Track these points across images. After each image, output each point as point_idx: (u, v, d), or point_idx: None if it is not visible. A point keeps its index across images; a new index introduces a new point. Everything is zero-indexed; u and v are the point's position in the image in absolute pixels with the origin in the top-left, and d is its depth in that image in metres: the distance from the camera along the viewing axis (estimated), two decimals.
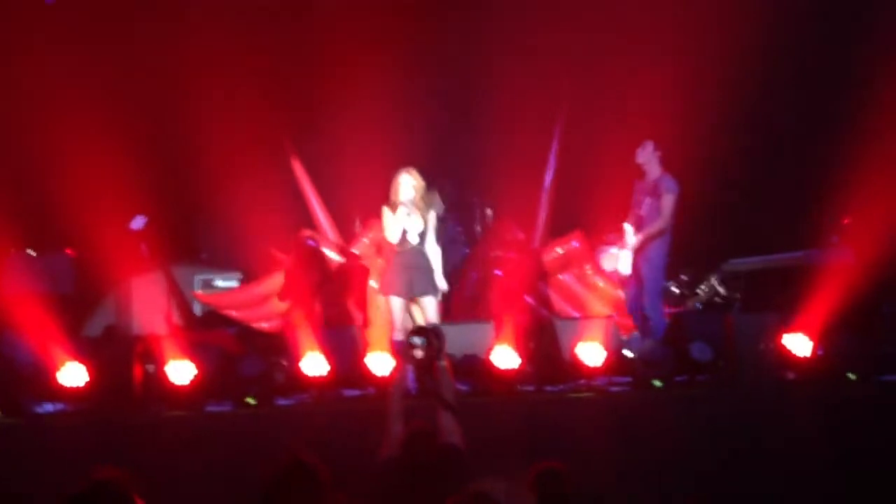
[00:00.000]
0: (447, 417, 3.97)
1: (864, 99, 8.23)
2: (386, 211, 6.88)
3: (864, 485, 5.47)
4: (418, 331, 4.19)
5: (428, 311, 6.90)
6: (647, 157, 7.04)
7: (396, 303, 6.85)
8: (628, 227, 7.04)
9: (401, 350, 4.15)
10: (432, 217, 6.95)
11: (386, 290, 6.98)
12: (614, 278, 8.12)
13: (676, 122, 8.30)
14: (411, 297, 6.87)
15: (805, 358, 6.44)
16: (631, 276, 6.99)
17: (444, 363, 4.13)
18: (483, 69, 9.03)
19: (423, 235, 6.89)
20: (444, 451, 3.83)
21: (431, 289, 6.88)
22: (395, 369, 4.19)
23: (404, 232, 6.83)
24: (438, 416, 3.97)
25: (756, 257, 8.69)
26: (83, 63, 8.25)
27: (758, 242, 8.81)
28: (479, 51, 9.11)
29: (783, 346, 6.47)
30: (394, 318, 6.86)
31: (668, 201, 6.87)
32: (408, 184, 6.83)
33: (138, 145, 8.38)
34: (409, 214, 6.80)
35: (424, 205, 6.89)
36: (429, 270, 6.88)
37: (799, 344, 6.45)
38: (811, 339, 6.47)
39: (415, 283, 6.84)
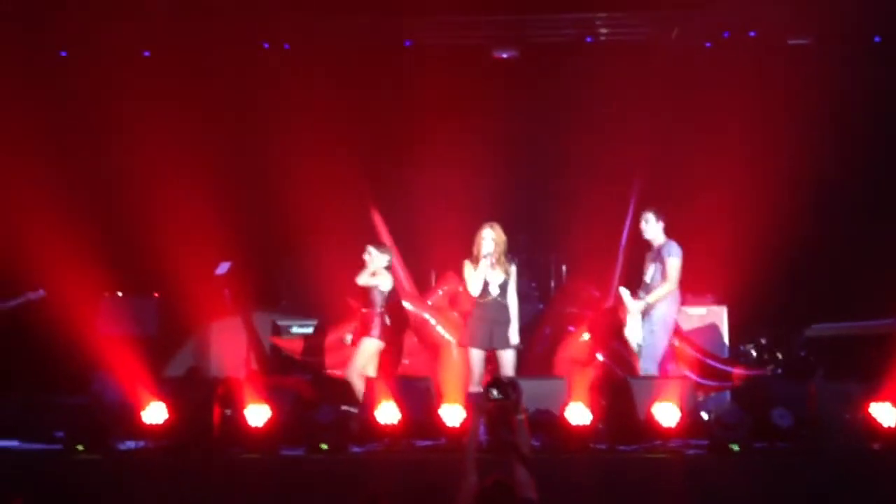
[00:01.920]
0: (523, 471, 3.97)
1: None
2: (468, 264, 7.02)
3: None
4: (496, 383, 4.21)
5: (506, 364, 6.96)
6: (651, 228, 7.25)
7: (476, 355, 6.95)
8: (624, 292, 7.14)
9: (477, 402, 4.17)
10: (513, 271, 7.07)
11: (465, 343, 7.06)
12: (691, 338, 8.02)
13: (756, 184, 8.26)
14: (491, 350, 6.94)
15: (891, 428, 6.22)
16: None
17: (522, 416, 4.14)
18: (564, 128, 9.14)
19: (503, 288, 7.01)
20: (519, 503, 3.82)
21: (510, 342, 6.95)
22: (470, 421, 4.21)
23: (486, 284, 6.96)
24: (515, 470, 3.97)
25: (840, 323, 8.47)
26: (173, 112, 8.61)
27: (842, 308, 8.59)
28: (560, 111, 9.24)
29: (869, 416, 6.28)
30: (472, 370, 6.92)
31: (672, 265, 7.10)
32: (490, 237, 7.01)
33: (225, 194, 8.69)
34: (490, 267, 6.93)
35: (506, 259, 7.03)
36: (508, 324, 6.97)
37: (885, 413, 6.25)
38: None
39: (495, 336, 6.93)
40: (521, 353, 7.45)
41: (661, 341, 7.15)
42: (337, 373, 8.19)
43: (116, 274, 8.43)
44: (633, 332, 7.21)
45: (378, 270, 7.49)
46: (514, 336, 6.99)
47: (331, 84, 8.97)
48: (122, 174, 8.72)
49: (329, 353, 8.35)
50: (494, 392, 4.10)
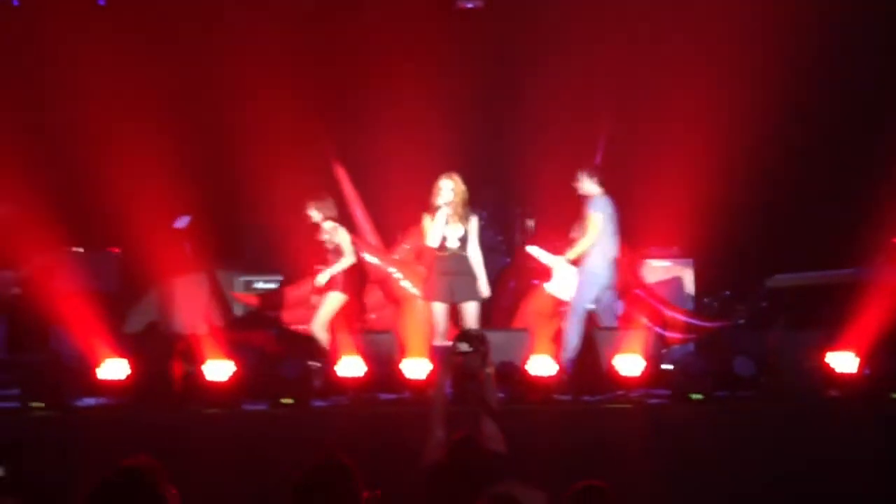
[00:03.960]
0: (491, 424, 3.96)
1: None
2: (426, 216, 6.92)
3: None
4: (465, 336, 4.17)
5: (469, 317, 6.91)
6: (583, 186, 7.16)
7: (438, 308, 6.88)
8: (534, 249, 7.18)
9: (445, 356, 4.13)
10: (474, 223, 6.96)
11: (427, 296, 7.00)
12: (655, 290, 8.06)
13: (723, 138, 8.24)
14: (453, 303, 6.89)
15: (850, 376, 6.31)
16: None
17: (490, 370, 4.11)
18: (529, 82, 9.03)
19: (463, 241, 6.91)
20: (488, 457, 3.80)
21: (473, 295, 6.89)
22: (437, 375, 4.17)
23: (444, 237, 6.86)
24: (483, 423, 3.96)
25: (802, 273, 8.54)
26: (130, 65, 8.39)
27: (804, 259, 8.66)
28: (525, 63, 9.12)
29: (828, 364, 6.36)
30: (435, 324, 6.87)
31: (592, 219, 7.01)
32: (448, 188, 6.87)
33: (184, 147, 8.50)
34: (448, 219, 6.82)
35: (465, 210, 6.91)
36: (471, 276, 6.90)
37: (844, 362, 6.33)
38: (857, 357, 6.34)
39: (456, 288, 6.85)
40: (487, 306, 7.43)
41: (585, 296, 7.10)
42: (301, 328, 8.14)
43: (74, 229, 8.24)
44: (560, 287, 7.20)
45: (331, 228, 7.36)
46: (482, 288, 6.94)
47: (292, 35, 8.77)
48: (79, 126, 8.49)
49: (293, 309, 8.29)
50: (463, 345, 4.07)
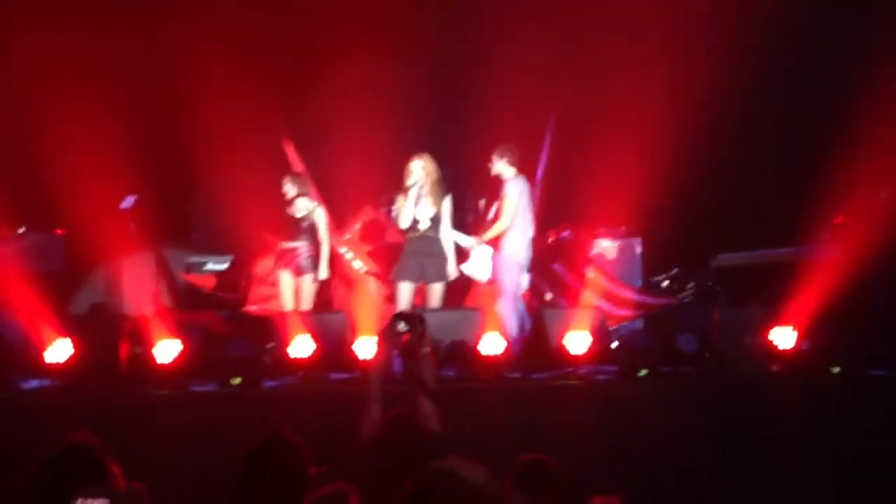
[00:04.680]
0: (427, 403, 4.00)
1: (859, 97, 8.26)
2: (399, 197, 6.94)
3: (847, 479, 5.50)
4: (402, 316, 4.20)
5: (434, 297, 6.96)
6: (495, 167, 7.19)
7: (405, 288, 6.90)
8: (451, 232, 7.18)
9: (384, 335, 4.17)
10: (446, 203, 6.99)
11: (397, 276, 7.01)
12: (604, 269, 8.17)
13: (667, 118, 8.36)
14: (421, 283, 6.92)
15: (790, 351, 6.48)
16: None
17: (427, 349, 4.15)
18: (481, 63, 9.03)
19: (435, 221, 6.93)
20: (423, 434, 3.85)
21: (442, 276, 6.94)
22: (377, 354, 4.21)
23: (415, 218, 6.88)
24: (419, 401, 4.00)
25: (746, 252, 8.71)
26: (76, 42, 8.22)
27: (749, 239, 8.83)
28: (477, 43, 9.12)
29: (769, 340, 6.51)
30: (399, 304, 6.90)
31: (507, 202, 7.07)
32: (419, 168, 6.88)
33: (130, 125, 8.37)
34: (419, 200, 6.84)
35: (438, 190, 6.93)
36: (441, 258, 6.93)
37: (784, 337, 6.49)
38: (797, 332, 6.50)
39: (426, 269, 6.88)
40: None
41: (512, 276, 7.19)
42: (252, 308, 8.10)
43: (16, 209, 8.08)
44: (476, 268, 7.24)
45: (310, 206, 7.31)
46: (450, 269, 6.99)
47: (243, 11, 8.66)
48: (22, 105, 8.31)
49: (244, 290, 8.24)
50: (401, 325, 4.10)
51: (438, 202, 6.95)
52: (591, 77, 8.95)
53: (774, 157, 9.03)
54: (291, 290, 7.27)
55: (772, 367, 6.47)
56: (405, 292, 6.93)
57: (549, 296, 8.34)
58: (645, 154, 8.40)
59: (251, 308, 8.08)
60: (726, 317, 6.65)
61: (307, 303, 7.26)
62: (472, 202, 9.50)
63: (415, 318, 4.19)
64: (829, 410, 5.86)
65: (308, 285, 7.27)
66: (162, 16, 8.58)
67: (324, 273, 7.28)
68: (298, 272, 7.27)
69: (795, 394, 6.10)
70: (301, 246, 7.27)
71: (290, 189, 7.35)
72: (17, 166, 8.33)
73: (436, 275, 6.94)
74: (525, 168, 8.30)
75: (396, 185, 8.70)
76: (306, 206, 7.30)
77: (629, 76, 8.63)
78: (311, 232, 7.29)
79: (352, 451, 3.96)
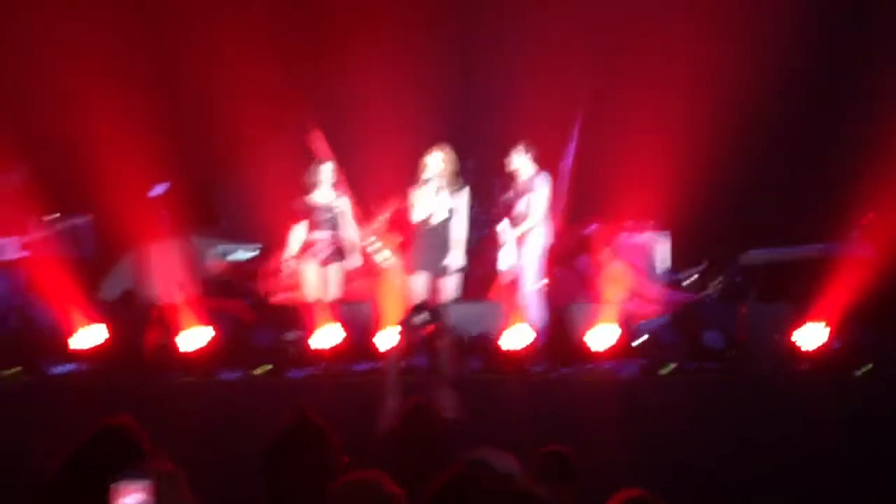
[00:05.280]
0: (447, 393, 4.01)
1: (892, 95, 8.15)
2: (414, 190, 6.92)
3: (873, 477, 5.44)
4: (420, 308, 4.21)
5: (448, 289, 6.94)
6: (519, 159, 7.23)
7: (419, 280, 6.89)
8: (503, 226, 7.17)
9: (403, 326, 4.17)
10: (465, 194, 6.97)
11: (410, 268, 7.00)
12: (631, 263, 8.12)
13: (696, 113, 8.29)
14: (436, 275, 6.91)
15: (819, 349, 6.42)
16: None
17: (445, 341, 4.15)
18: (509, 54, 9.01)
19: (451, 213, 6.92)
20: (441, 425, 3.86)
21: (455, 266, 6.92)
22: (395, 346, 4.21)
23: (431, 209, 6.86)
24: (438, 392, 4.00)
25: (774, 249, 8.63)
26: (106, 31, 8.29)
27: (778, 235, 8.75)
28: (506, 34, 9.10)
29: (797, 338, 6.45)
30: (415, 296, 6.89)
31: (540, 196, 7.11)
32: (437, 160, 6.85)
33: (162, 113, 8.43)
34: (437, 191, 6.83)
35: (456, 181, 6.90)
36: (454, 248, 6.92)
37: (812, 335, 6.43)
38: (826, 330, 6.44)
39: (440, 260, 6.87)
40: (465, 277, 7.46)
41: (537, 268, 7.20)
42: (280, 297, 8.14)
43: (50, 195, 8.18)
44: (504, 260, 7.25)
45: (330, 193, 7.30)
46: (458, 258, 6.96)
47: (271, 2, 8.70)
48: (56, 94, 8.41)
49: (270, 278, 8.29)
50: (420, 317, 4.12)
51: (456, 194, 6.93)
52: (619, 70, 8.90)
53: (805, 153, 8.93)
54: (317, 280, 7.28)
55: (800, 365, 6.41)
56: (419, 283, 6.92)
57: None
58: (673, 148, 8.34)
59: (279, 297, 8.11)
60: (754, 314, 6.61)
61: (335, 292, 7.26)
62: (497, 193, 9.50)
63: (433, 309, 4.19)
64: (858, 409, 5.80)
65: (335, 275, 7.27)
66: (190, 6, 8.63)
67: (357, 261, 7.29)
68: (324, 262, 7.28)
69: (824, 392, 6.05)
70: (326, 235, 7.26)
71: (314, 178, 7.34)
72: (51, 153, 8.43)
73: (448, 266, 6.94)
74: (552, 161, 8.28)
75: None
76: (331, 196, 7.30)
77: (658, 69, 8.57)
78: (335, 221, 7.28)
79: (370, 442, 3.98)
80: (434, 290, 7.09)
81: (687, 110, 8.28)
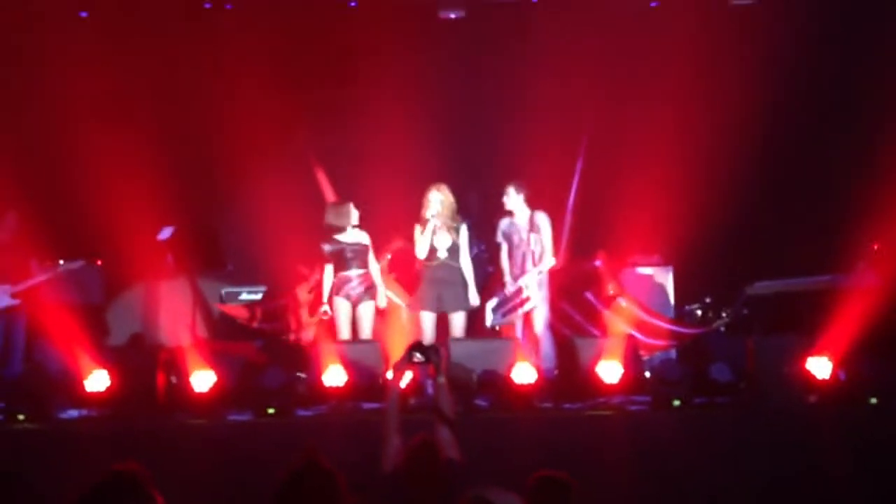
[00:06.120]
0: (445, 432, 4.02)
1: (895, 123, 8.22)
2: (417, 227, 7.01)
3: None
4: (418, 346, 4.24)
5: (456, 326, 6.98)
6: (513, 200, 7.30)
7: (426, 318, 6.95)
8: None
9: (399, 365, 4.20)
10: (463, 232, 7.06)
11: (415, 306, 7.05)
12: (636, 297, 8.13)
13: (701, 145, 8.35)
14: (440, 313, 6.95)
15: (827, 381, 6.39)
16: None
17: (443, 380, 4.18)
18: (511, 90, 9.11)
19: (452, 251, 6.99)
20: (443, 463, 3.86)
21: (461, 305, 6.97)
22: (393, 384, 4.23)
23: (433, 248, 6.94)
24: (437, 431, 4.01)
25: (781, 280, 8.64)
26: (112, 76, 8.41)
27: (784, 266, 8.76)
28: (507, 71, 9.21)
29: (805, 370, 6.43)
30: (424, 334, 6.93)
31: (547, 234, 7.24)
32: (437, 199, 6.97)
33: (168, 158, 8.53)
34: (437, 230, 6.91)
35: (454, 220, 7.01)
36: (459, 286, 6.99)
37: (821, 367, 6.41)
38: (833, 362, 6.42)
39: (444, 298, 6.94)
40: (471, 315, 7.49)
41: (547, 304, 7.30)
42: (286, 338, 8.16)
43: (57, 242, 8.25)
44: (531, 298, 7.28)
45: (353, 232, 7.33)
46: (471, 297, 7.03)
47: (274, 44, 8.81)
48: (62, 139, 8.51)
49: (278, 320, 8.31)
50: (417, 355, 4.14)
51: (456, 231, 7.03)
52: (621, 105, 8.98)
53: (809, 183, 8.97)
54: (348, 319, 7.26)
55: (808, 397, 6.38)
56: (427, 322, 6.98)
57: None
58: (677, 182, 8.39)
59: (284, 338, 8.14)
60: (761, 346, 6.59)
61: (367, 331, 7.26)
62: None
63: (430, 348, 4.22)
64: (867, 442, 5.77)
65: (368, 313, 7.27)
66: (195, 49, 8.76)
67: (383, 301, 7.30)
68: (356, 301, 7.28)
69: (832, 425, 6.01)
70: (356, 274, 7.29)
71: (340, 219, 7.38)
72: (57, 198, 8.52)
73: (455, 304, 6.99)
74: (556, 195, 8.34)
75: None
76: (355, 234, 7.36)
77: (660, 104, 8.65)
78: (362, 259, 7.32)
79: (374, 481, 3.97)
80: (442, 327, 7.14)
81: (691, 143, 8.35)
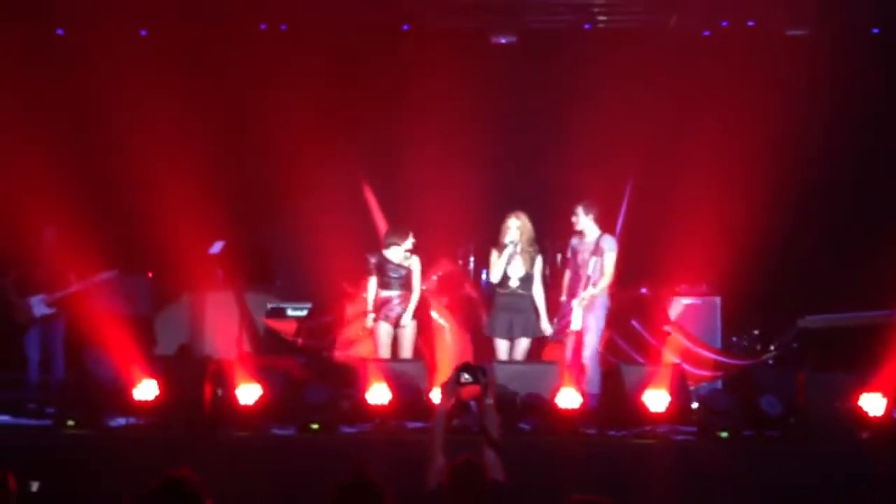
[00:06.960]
0: (491, 454, 4.01)
1: None
2: (493, 252, 7.08)
3: None
4: (466, 367, 4.23)
5: (519, 351, 7.02)
6: (582, 221, 7.24)
7: (500, 345, 7.01)
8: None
9: (447, 386, 4.19)
10: (538, 262, 7.11)
11: (488, 332, 7.15)
12: (683, 327, 8.05)
13: (754, 177, 8.27)
14: (511, 339, 7.00)
15: (880, 418, 6.25)
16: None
17: (491, 401, 4.17)
18: (562, 117, 9.12)
19: (525, 280, 7.04)
20: (487, 484, 3.84)
21: (529, 332, 7.01)
22: (440, 403, 4.22)
23: (506, 275, 7.00)
24: (483, 452, 4.00)
25: (833, 314, 8.49)
26: (169, 94, 8.58)
27: (835, 300, 8.61)
28: (559, 98, 9.23)
29: (858, 406, 6.30)
30: (497, 358, 6.96)
31: (610, 259, 7.14)
32: (514, 226, 7.04)
33: (220, 174, 8.67)
34: (512, 258, 6.97)
35: (531, 249, 7.06)
36: (530, 314, 7.01)
37: (874, 403, 6.27)
38: (888, 399, 6.28)
39: (515, 324, 7.00)
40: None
41: (600, 330, 7.24)
42: (331, 355, 8.20)
43: (109, 253, 8.41)
44: (576, 321, 7.23)
45: (404, 253, 7.37)
46: (543, 326, 7.05)
47: (328, 66, 8.95)
48: (118, 153, 8.71)
49: (323, 337, 8.36)
50: (465, 376, 4.13)
51: (531, 261, 7.09)
52: (671, 135, 8.94)
53: (863, 216, 8.84)
54: (389, 339, 7.31)
55: (861, 434, 6.24)
56: (500, 348, 7.04)
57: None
58: (726, 211, 8.32)
59: (336, 353, 8.17)
60: (813, 380, 6.46)
61: (408, 352, 7.31)
62: (550, 255, 9.53)
63: (478, 369, 4.21)
64: None
65: (410, 334, 7.33)
66: (250, 70, 8.92)
67: (407, 320, 7.33)
68: (397, 322, 7.32)
69: (885, 463, 5.87)
70: (396, 294, 7.32)
71: (390, 235, 7.44)
72: (113, 212, 8.70)
73: (523, 330, 7.04)
74: (605, 225, 8.31)
75: (472, 238, 8.77)
76: (404, 255, 7.39)
77: (711, 133, 8.60)
78: (406, 280, 7.35)
79: (417, 499, 3.97)
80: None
81: (742, 173, 8.28)
